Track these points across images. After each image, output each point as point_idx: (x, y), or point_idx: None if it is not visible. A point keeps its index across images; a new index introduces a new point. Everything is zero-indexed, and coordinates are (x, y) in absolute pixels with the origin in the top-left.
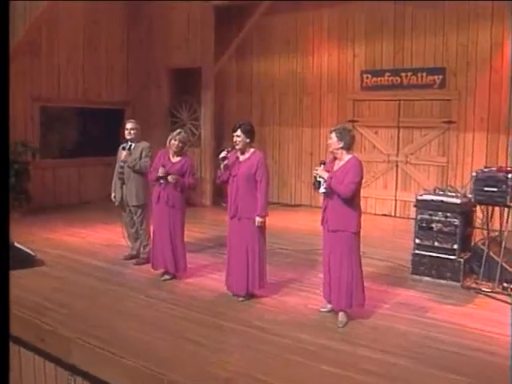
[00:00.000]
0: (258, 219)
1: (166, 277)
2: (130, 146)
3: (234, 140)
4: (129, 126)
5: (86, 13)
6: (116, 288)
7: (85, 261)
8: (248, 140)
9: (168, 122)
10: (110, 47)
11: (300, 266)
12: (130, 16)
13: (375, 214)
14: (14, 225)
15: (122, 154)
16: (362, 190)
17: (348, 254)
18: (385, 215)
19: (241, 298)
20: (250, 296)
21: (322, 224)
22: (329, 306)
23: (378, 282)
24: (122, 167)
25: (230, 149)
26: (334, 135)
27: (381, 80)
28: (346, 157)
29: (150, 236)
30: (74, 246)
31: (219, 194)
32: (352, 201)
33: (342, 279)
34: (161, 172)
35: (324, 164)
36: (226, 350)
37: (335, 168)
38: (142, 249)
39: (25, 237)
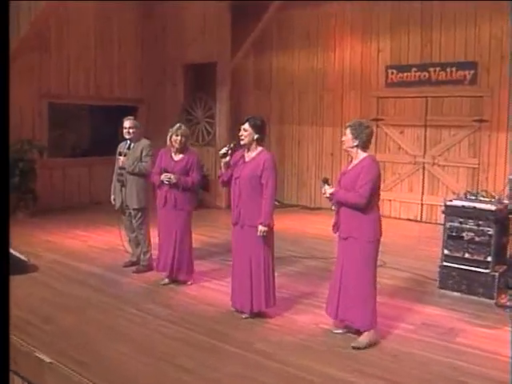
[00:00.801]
0: (260, 228)
1: (166, 281)
2: (129, 146)
3: (240, 134)
4: (127, 124)
5: (98, 7)
6: (109, 300)
7: (81, 267)
8: (256, 136)
9: (183, 120)
10: (123, 43)
11: (315, 277)
12: (144, 11)
13: (399, 219)
14: (17, 226)
15: (119, 160)
16: (381, 193)
17: (361, 266)
18: (410, 220)
19: (244, 315)
20: (256, 313)
21: (333, 229)
22: (340, 328)
23: (400, 297)
24: (120, 172)
25: (232, 145)
26: (348, 131)
27: (407, 76)
28: (361, 156)
29: (150, 242)
30: (73, 251)
31: None
32: (366, 204)
33: (355, 290)
34: (164, 178)
35: (327, 182)
36: (216, 380)
37: (349, 168)
38: (142, 256)
39: (25, 239)
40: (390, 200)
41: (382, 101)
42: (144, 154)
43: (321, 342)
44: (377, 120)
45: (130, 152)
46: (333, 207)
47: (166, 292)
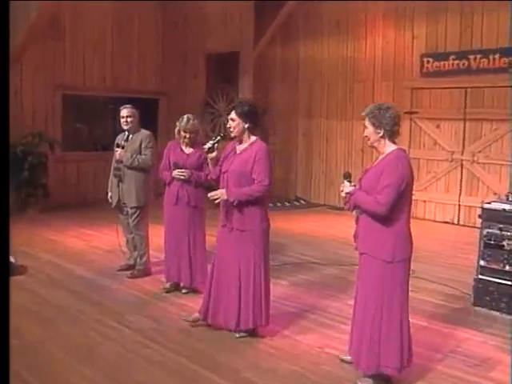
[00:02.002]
0: (222, 192)
1: (167, 286)
2: (128, 137)
3: (228, 125)
4: (124, 112)
5: None
6: (90, 310)
7: (73, 270)
8: (247, 125)
9: (204, 113)
10: (142, 32)
11: (331, 288)
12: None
13: (434, 221)
14: (24, 223)
15: (116, 152)
16: (413, 197)
17: (378, 292)
18: (446, 223)
19: (238, 334)
20: (252, 331)
21: (354, 240)
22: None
23: (426, 316)
24: (117, 166)
25: (219, 137)
26: (368, 122)
27: (444, 64)
28: (389, 149)
29: (148, 244)
30: (72, 251)
31: None
32: (387, 214)
33: (365, 326)
34: (177, 174)
35: (349, 177)
36: None
37: (374, 164)
38: (138, 259)
39: (27, 237)
40: (425, 201)
41: (416, 92)
42: (143, 145)
43: (324, 372)
44: (411, 113)
45: (128, 144)
46: (354, 212)
47: (157, 302)
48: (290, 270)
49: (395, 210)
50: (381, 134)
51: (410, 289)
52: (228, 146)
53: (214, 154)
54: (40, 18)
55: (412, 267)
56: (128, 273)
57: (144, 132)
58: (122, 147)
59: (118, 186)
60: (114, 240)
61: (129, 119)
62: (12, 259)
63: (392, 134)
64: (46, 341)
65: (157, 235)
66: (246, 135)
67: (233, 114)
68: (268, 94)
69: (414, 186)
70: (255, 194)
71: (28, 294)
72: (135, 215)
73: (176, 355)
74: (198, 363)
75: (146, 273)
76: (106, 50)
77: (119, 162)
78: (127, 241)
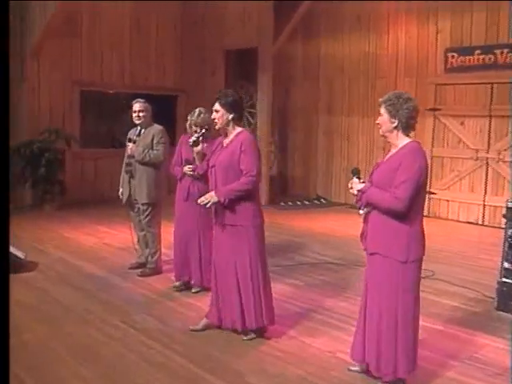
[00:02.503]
0: (211, 194)
1: (177, 284)
2: (140, 132)
3: (212, 117)
4: (136, 107)
5: None
6: (96, 309)
7: (83, 268)
8: (231, 116)
9: None
10: (160, 29)
11: (345, 288)
12: None
13: (458, 221)
14: (41, 219)
15: (128, 147)
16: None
17: (391, 294)
18: (469, 223)
19: (246, 337)
20: (261, 332)
21: (361, 240)
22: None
23: (445, 319)
24: (129, 162)
25: (204, 130)
26: (383, 109)
27: (469, 59)
28: (402, 142)
29: (160, 242)
30: (85, 248)
31: (281, 192)
32: (405, 211)
33: (380, 330)
34: (188, 170)
35: (358, 174)
36: None
37: (385, 158)
38: (149, 257)
39: (40, 233)
40: (448, 200)
41: (440, 88)
42: (155, 141)
43: (333, 378)
44: (434, 110)
45: (140, 139)
46: (360, 210)
47: (165, 301)
48: (307, 270)
49: (411, 207)
50: (395, 125)
51: (428, 291)
52: (216, 141)
53: (199, 147)
54: (57, 16)
55: (432, 268)
56: (138, 271)
57: (156, 127)
58: (134, 142)
59: (130, 181)
60: (127, 238)
61: (141, 114)
62: (22, 255)
63: (406, 127)
64: (48, 340)
65: (170, 233)
66: (230, 127)
67: (216, 105)
68: (288, 91)
69: (437, 185)
70: (244, 187)
71: (35, 290)
72: (147, 212)
73: (179, 357)
74: (202, 366)
75: (156, 271)
76: (124, 46)
77: (131, 157)
78: (138, 238)
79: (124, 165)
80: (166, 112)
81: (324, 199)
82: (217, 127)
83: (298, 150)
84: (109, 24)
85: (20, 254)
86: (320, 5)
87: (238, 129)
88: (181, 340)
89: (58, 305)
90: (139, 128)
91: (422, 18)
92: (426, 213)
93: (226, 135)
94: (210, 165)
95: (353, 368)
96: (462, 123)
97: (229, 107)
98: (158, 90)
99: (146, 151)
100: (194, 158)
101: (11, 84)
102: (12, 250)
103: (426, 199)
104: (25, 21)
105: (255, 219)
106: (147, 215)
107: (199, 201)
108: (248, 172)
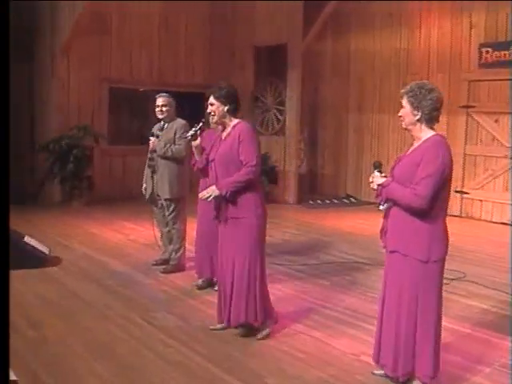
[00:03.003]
0: (212, 188)
1: (200, 282)
2: (163, 126)
3: (208, 111)
4: (159, 101)
5: None
6: (116, 305)
7: (107, 264)
8: (227, 108)
9: (251, 107)
10: (189, 25)
11: (372, 288)
12: None
13: (491, 222)
14: (68, 215)
15: (150, 141)
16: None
17: (412, 295)
18: (503, 224)
19: (260, 335)
20: (251, 328)
21: (380, 236)
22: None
23: (476, 323)
24: (151, 156)
25: (201, 124)
26: (405, 101)
27: (505, 55)
28: (425, 135)
29: (184, 238)
30: (110, 244)
31: (310, 190)
32: (427, 208)
33: (399, 332)
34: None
35: (379, 168)
36: None
37: (408, 152)
38: (173, 253)
39: (66, 229)
40: (481, 200)
41: (473, 84)
42: (178, 135)
43: (355, 382)
44: (467, 107)
45: (162, 133)
46: (380, 206)
47: (186, 299)
48: (334, 269)
49: (434, 203)
50: (418, 117)
51: (459, 293)
52: (213, 134)
53: (197, 141)
54: (85, 15)
55: (463, 270)
56: (161, 268)
57: (179, 121)
58: (157, 137)
59: (152, 177)
60: (153, 234)
61: (164, 108)
62: (46, 250)
63: (430, 120)
64: (66, 335)
65: (194, 229)
66: (227, 119)
67: (211, 99)
68: (317, 88)
69: (470, 185)
70: (244, 178)
71: (57, 285)
72: (171, 208)
73: (197, 356)
74: (220, 366)
75: (179, 268)
76: (154, 43)
77: (153, 151)
78: (162, 235)
79: (147, 160)
80: (194, 109)
81: (353, 198)
82: (213, 121)
83: (327, 147)
84: (138, 21)
85: (44, 249)
86: (348, 4)
87: (235, 120)
88: (200, 339)
89: (78, 300)
90: (163, 123)
91: (456, 13)
92: (458, 213)
93: (224, 128)
94: (210, 159)
95: (377, 372)
96: (496, 120)
97: (224, 99)
98: (186, 87)
99: (168, 146)
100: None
101: (42, 81)
102: (36, 244)
103: (459, 199)
104: (55, 19)
105: (257, 209)
106: (172, 211)
107: (200, 195)
108: (248, 162)
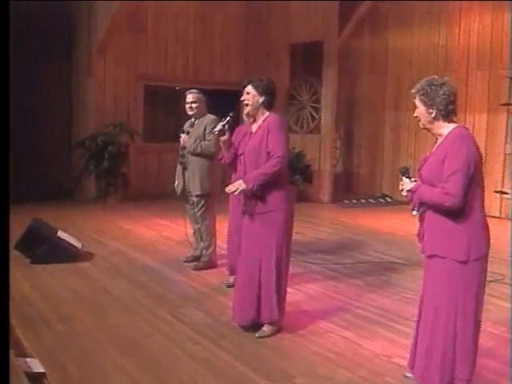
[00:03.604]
0: (239, 182)
1: (231, 281)
2: (194, 123)
3: (242, 99)
4: (189, 98)
5: None
6: (146, 301)
7: (139, 260)
8: (262, 99)
9: (288, 105)
10: (225, 23)
11: (407, 289)
12: None
13: None
14: (102, 211)
15: (181, 138)
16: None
17: (450, 297)
18: None
19: (258, 334)
20: (277, 328)
21: (418, 240)
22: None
23: None
24: (182, 153)
25: (229, 118)
26: (418, 100)
27: None
28: (446, 130)
29: (215, 235)
30: (142, 241)
31: (345, 189)
32: (458, 206)
33: (435, 336)
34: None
35: (407, 173)
36: None
37: (433, 150)
38: (204, 250)
39: (101, 224)
40: None
41: None
42: (207, 131)
43: None
44: (509, 105)
45: (193, 130)
46: (413, 212)
47: (217, 296)
48: (368, 268)
49: (467, 199)
50: (433, 115)
51: (497, 295)
52: (241, 127)
53: (225, 136)
54: (120, 14)
55: (502, 272)
56: (192, 264)
57: (209, 117)
58: (187, 133)
59: (183, 173)
60: (187, 231)
61: (193, 105)
62: (78, 245)
63: (447, 115)
64: (95, 330)
65: (226, 226)
66: (260, 111)
67: (249, 87)
68: (354, 86)
69: (510, 184)
70: (271, 170)
71: (88, 280)
72: (200, 204)
73: (225, 354)
74: (248, 364)
75: (210, 265)
76: (189, 41)
77: (183, 148)
78: (194, 231)
79: (178, 157)
80: (229, 107)
81: (389, 197)
82: (246, 111)
83: (363, 146)
84: (174, 19)
85: (77, 244)
86: (385, 3)
87: (267, 113)
88: (229, 336)
89: (109, 295)
90: (193, 119)
91: (497, 7)
92: (497, 214)
93: (255, 120)
94: (239, 153)
95: (409, 374)
96: None
97: (261, 90)
98: (221, 84)
99: (198, 142)
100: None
101: (79, 79)
102: (69, 239)
103: (499, 199)
104: (91, 19)
105: (284, 203)
106: (201, 207)
107: (227, 189)
108: (274, 153)
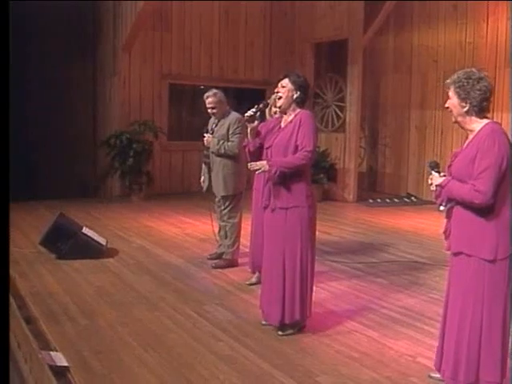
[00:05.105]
0: (263, 163)
1: (253, 280)
2: (217, 123)
3: (276, 90)
4: (207, 103)
5: None
6: (170, 297)
7: (163, 256)
8: (296, 95)
9: (313, 104)
10: (249, 20)
11: (433, 289)
12: None
13: None
14: (126, 208)
15: (204, 138)
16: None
17: (477, 296)
18: None
19: (282, 332)
20: (300, 328)
21: (445, 237)
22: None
23: None
24: (206, 153)
25: (262, 105)
26: (453, 91)
27: None
28: (478, 126)
29: (239, 234)
30: (166, 238)
31: (370, 188)
32: (488, 203)
33: (462, 336)
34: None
35: (437, 168)
36: None
37: (464, 146)
38: (226, 248)
39: (125, 221)
40: None
41: None
42: (231, 131)
43: None
44: None
45: (216, 129)
46: (441, 207)
47: (240, 294)
48: (393, 268)
49: (497, 196)
50: (466, 109)
51: None
52: (271, 121)
53: (254, 123)
54: (145, 13)
55: None
56: (213, 262)
57: (232, 116)
58: (212, 132)
59: (208, 172)
60: (209, 228)
61: (214, 110)
62: (103, 241)
63: (480, 111)
64: (118, 325)
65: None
66: (292, 107)
67: (285, 81)
68: (379, 85)
69: None
70: (298, 162)
71: (112, 277)
72: (225, 204)
73: (248, 351)
74: (270, 362)
75: (231, 264)
76: (213, 39)
77: (207, 148)
78: (219, 228)
79: (202, 156)
80: (254, 105)
81: (415, 197)
82: (279, 104)
83: (388, 145)
84: (198, 18)
85: (101, 241)
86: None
87: (298, 109)
88: (252, 334)
89: (132, 291)
90: (215, 119)
91: None
92: None
93: (285, 114)
94: (266, 146)
95: (434, 375)
96: None
97: (297, 86)
98: (246, 83)
99: (221, 143)
100: (247, 134)
101: (104, 78)
102: (94, 236)
103: None
104: (116, 18)
105: (308, 199)
106: (226, 207)
107: (249, 165)
108: (304, 147)
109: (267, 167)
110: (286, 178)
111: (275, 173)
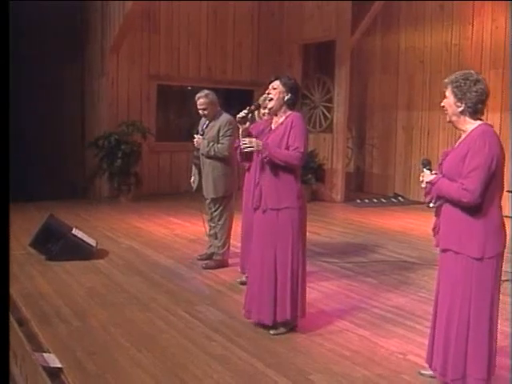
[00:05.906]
0: (257, 142)
1: (244, 279)
2: (208, 124)
3: (267, 93)
4: (198, 104)
5: None
6: (161, 298)
7: (152, 257)
8: (287, 97)
9: (300, 104)
10: (238, 21)
11: (422, 288)
12: None
13: None
14: (115, 210)
15: (195, 139)
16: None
17: (464, 294)
18: None
19: (273, 331)
20: (291, 326)
21: (433, 234)
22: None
23: None
24: (196, 154)
25: (253, 107)
26: (449, 91)
27: None
28: (471, 126)
29: (229, 235)
30: (155, 239)
31: (357, 188)
32: (475, 202)
33: (450, 332)
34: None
35: (429, 165)
36: None
37: (455, 145)
38: (217, 249)
39: (113, 223)
40: None
41: None
42: (221, 133)
43: (401, 382)
44: None
45: (206, 130)
46: (431, 204)
47: (231, 294)
48: (381, 267)
49: (485, 196)
50: (461, 109)
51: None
52: (262, 122)
53: (246, 124)
54: (133, 13)
55: None
56: (203, 263)
57: (223, 118)
58: (202, 133)
59: (199, 173)
60: (199, 229)
61: (205, 111)
62: (93, 243)
63: (474, 112)
64: (110, 325)
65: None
66: (282, 109)
67: (276, 82)
68: (366, 86)
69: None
70: (291, 160)
71: (103, 278)
72: (216, 206)
73: (241, 351)
74: (263, 361)
75: (222, 264)
76: (201, 40)
77: (197, 149)
78: (210, 229)
79: (192, 157)
80: (242, 106)
81: (402, 197)
82: (270, 106)
83: (375, 145)
84: (186, 19)
85: (91, 242)
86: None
87: (289, 112)
88: (244, 333)
89: (123, 292)
90: (205, 121)
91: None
92: (509, 213)
93: (276, 116)
94: None
95: (424, 372)
96: None
97: (288, 88)
98: (234, 84)
99: (211, 145)
100: (238, 136)
101: (92, 79)
102: (84, 237)
103: (511, 199)
104: (105, 19)
105: (299, 200)
106: (217, 209)
107: (241, 141)
108: (296, 148)
109: (261, 147)
110: (276, 179)
111: (265, 157)
